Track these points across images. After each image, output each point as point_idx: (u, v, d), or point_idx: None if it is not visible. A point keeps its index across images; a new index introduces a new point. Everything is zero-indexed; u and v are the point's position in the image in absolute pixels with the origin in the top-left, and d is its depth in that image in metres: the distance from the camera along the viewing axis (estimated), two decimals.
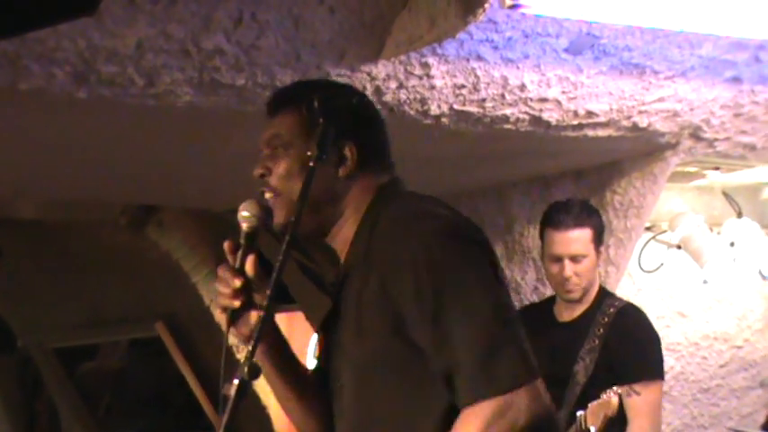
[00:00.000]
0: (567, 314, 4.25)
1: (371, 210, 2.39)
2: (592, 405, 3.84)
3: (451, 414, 2.21)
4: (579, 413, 3.84)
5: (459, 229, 2.33)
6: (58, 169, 4.49)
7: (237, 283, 2.33)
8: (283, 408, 2.53)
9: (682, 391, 5.66)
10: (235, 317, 2.35)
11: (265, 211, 2.35)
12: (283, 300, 2.44)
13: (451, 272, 2.23)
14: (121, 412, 7.60)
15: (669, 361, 5.55)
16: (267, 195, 2.40)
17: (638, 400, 4.00)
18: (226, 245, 2.36)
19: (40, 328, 7.37)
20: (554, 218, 4.16)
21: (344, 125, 2.37)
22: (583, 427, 3.82)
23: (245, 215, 2.34)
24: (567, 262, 4.11)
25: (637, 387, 3.96)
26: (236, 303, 2.33)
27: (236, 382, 2.05)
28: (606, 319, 4.13)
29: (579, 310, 4.21)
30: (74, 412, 7.70)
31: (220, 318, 2.37)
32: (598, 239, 4.16)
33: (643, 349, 4.15)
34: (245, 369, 2.06)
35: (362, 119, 2.47)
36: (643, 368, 4.09)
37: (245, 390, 2.06)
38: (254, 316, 2.35)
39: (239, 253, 2.34)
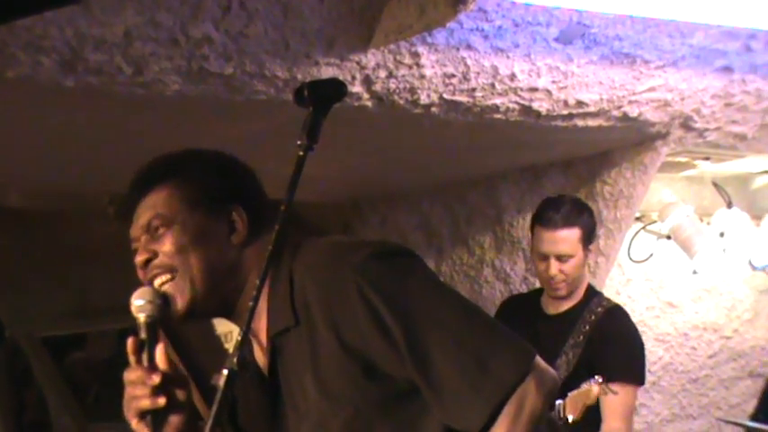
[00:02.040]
0: (553, 307, 4.23)
1: (278, 271, 2.19)
2: (571, 394, 3.83)
3: None
4: (558, 402, 3.82)
5: (387, 247, 2.20)
6: (45, 158, 4.47)
7: (156, 378, 2.10)
8: None
9: (671, 382, 5.66)
10: (157, 420, 2.12)
11: (162, 297, 2.15)
12: None
13: (403, 292, 2.08)
14: (110, 402, 7.58)
15: (658, 351, 5.56)
16: (160, 280, 2.19)
17: (615, 399, 3.96)
18: (129, 345, 2.13)
19: (29, 318, 7.34)
20: (544, 215, 4.12)
21: (225, 190, 2.23)
22: (561, 415, 3.81)
23: (140, 304, 2.13)
24: (552, 261, 4.09)
25: (614, 387, 3.93)
26: (161, 401, 2.11)
27: (225, 372, 2.02)
28: (593, 318, 4.12)
29: (566, 304, 4.20)
30: (62, 402, 7.68)
31: (138, 428, 2.13)
32: (587, 239, 4.12)
33: (627, 352, 4.13)
34: (235, 360, 2.03)
35: (241, 179, 2.28)
36: (624, 369, 4.06)
37: (234, 381, 2.03)
38: (175, 420, 2.14)
39: (145, 349, 2.13)
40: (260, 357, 2.26)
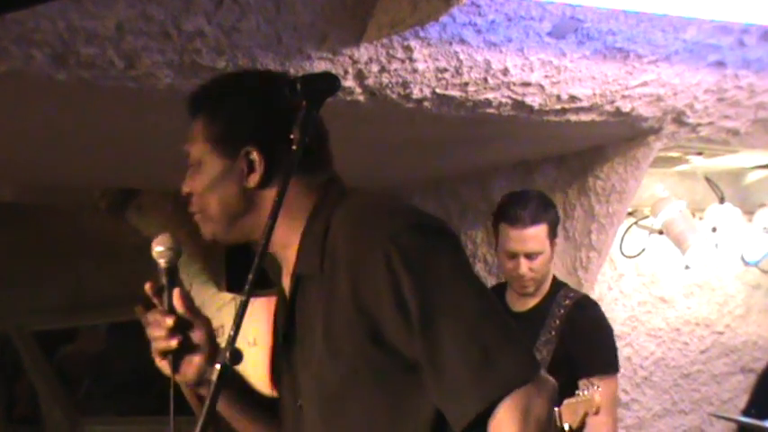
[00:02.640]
0: (520, 304, 4.13)
1: (317, 213, 2.22)
2: (569, 402, 3.73)
3: (438, 422, 2.11)
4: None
5: (428, 221, 2.19)
6: (36, 152, 4.47)
7: (170, 321, 2.23)
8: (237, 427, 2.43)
9: (663, 377, 5.66)
10: (177, 360, 2.26)
11: (179, 244, 2.27)
12: (262, 285, 2.34)
13: (430, 270, 2.09)
14: (101, 396, 7.60)
15: (650, 346, 5.56)
16: (195, 216, 2.30)
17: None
18: (147, 288, 2.26)
19: (20, 312, 7.35)
20: (510, 213, 4.00)
21: (243, 131, 2.24)
22: (558, 424, 3.70)
23: (161, 250, 2.26)
24: (522, 259, 3.99)
25: (595, 380, 3.85)
26: (174, 343, 2.23)
27: (217, 366, 2.02)
28: (562, 311, 4.03)
29: (533, 300, 4.11)
30: (53, 395, 7.69)
31: (162, 365, 2.27)
32: (553, 233, 4.03)
33: (602, 343, 4.06)
34: (227, 354, 2.03)
35: (264, 117, 2.26)
36: (602, 362, 4.01)
37: (227, 375, 2.03)
38: (197, 359, 2.27)
39: (164, 293, 2.25)
40: (286, 284, 2.31)
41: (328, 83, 2.20)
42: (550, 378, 2.12)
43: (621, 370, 4.23)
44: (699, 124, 4.49)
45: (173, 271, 2.26)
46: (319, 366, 2.18)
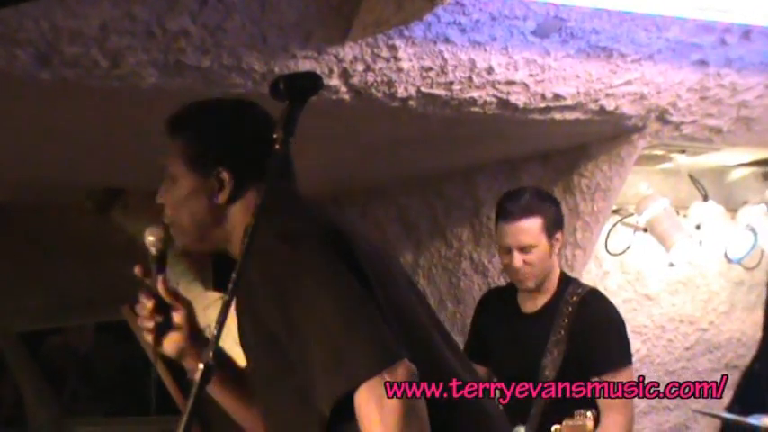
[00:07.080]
0: (530, 304, 4.11)
1: (247, 230, 2.28)
2: (566, 424, 3.75)
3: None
4: (554, 427, 3.76)
5: (295, 233, 2.33)
6: (21, 152, 4.46)
7: (150, 303, 2.51)
8: (239, 419, 2.71)
9: (647, 374, 5.68)
10: (159, 336, 2.54)
11: (170, 236, 2.53)
12: None
13: (288, 279, 2.28)
14: (87, 396, 7.58)
15: (635, 344, 5.57)
16: (168, 224, 2.53)
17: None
18: (137, 271, 2.54)
19: (5, 313, 7.32)
20: (502, 208, 4.02)
21: (214, 154, 2.47)
22: None
23: (152, 240, 2.52)
24: (515, 253, 3.97)
25: (606, 377, 3.89)
26: (149, 324, 2.52)
27: (200, 366, 2.03)
28: (569, 309, 4.00)
29: (542, 300, 4.08)
30: (39, 396, 7.67)
31: (148, 340, 2.55)
32: (551, 227, 3.99)
33: (607, 338, 4.02)
34: (210, 354, 2.04)
35: (233, 140, 2.49)
36: (609, 357, 3.98)
37: (211, 374, 2.04)
38: (175, 336, 2.54)
39: (152, 276, 2.52)
40: None
41: (311, 82, 2.22)
42: (410, 366, 2.22)
43: None
44: (682, 122, 4.51)
45: (160, 259, 2.52)
46: (256, 358, 2.47)
